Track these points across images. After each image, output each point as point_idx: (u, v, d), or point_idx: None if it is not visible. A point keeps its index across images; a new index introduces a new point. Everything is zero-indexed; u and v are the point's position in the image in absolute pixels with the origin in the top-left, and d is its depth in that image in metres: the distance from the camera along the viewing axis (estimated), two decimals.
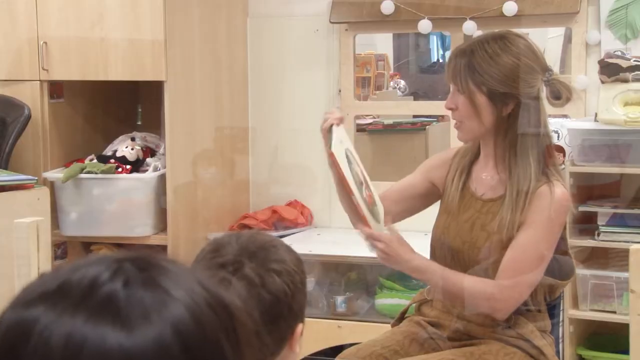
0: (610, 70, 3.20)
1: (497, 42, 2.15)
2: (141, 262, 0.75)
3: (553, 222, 2.13)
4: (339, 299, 3.59)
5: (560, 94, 2.20)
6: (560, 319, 2.72)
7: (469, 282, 2.12)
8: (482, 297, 2.11)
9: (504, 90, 2.13)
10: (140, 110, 4.18)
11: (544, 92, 2.20)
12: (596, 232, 3.24)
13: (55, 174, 3.65)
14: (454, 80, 2.16)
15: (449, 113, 2.31)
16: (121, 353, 0.69)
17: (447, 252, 2.20)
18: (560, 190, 2.13)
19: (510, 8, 3.61)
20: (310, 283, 3.58)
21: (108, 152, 3.78)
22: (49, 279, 0.75)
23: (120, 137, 3.83)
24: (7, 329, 0.72)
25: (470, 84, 2.13)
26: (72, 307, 0.71)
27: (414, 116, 4.37)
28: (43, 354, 0.70)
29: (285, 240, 1.49)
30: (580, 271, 3.27)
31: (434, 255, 2.25)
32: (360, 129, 4.24)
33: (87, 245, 3.85)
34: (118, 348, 0.69)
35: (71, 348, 0.69)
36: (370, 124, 4.44)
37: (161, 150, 3.77)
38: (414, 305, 2.37)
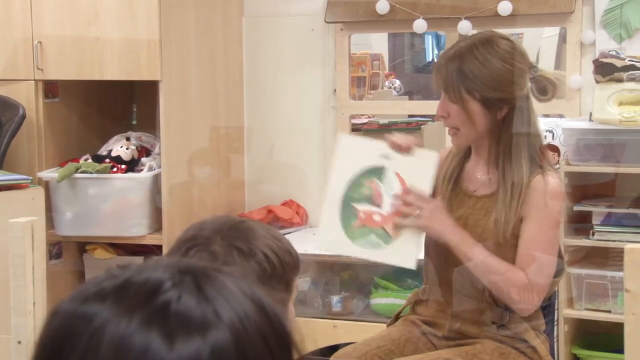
0: (605, 70, 3.20)
1: (485, 46, 2.13)
2: (202, 276, 0.75)
3: (553, 211, 2.15)
4: (335, 299, 3.59)
5: (547, 90, 2.20)
6: (555, 318, 2.73)
7: (505, 270, 2.12)
8: (516, 288, 2.12)
9: (496, 95, 2.12)
10: (135, 109, 4.17)
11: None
12: (591, 232, 3.24)
13: (50, 174, 3.65)
14: (446, 88, 2.14)
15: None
16: None
17: (441, 249, 2.20)
18: (554, 180, 2.16)
19: (505, 8, 3.61)
20: (306, 283, 3.58)
21: (103, 151, 3.77)
22: (110, 276, 0.76)
23: (116, 137, 3.83)
24: (61, 321, 0.73)
25: (463, 92, 2.12)
26: (130, 309, 0.72)
27: (409, 116, 4.37)
28: (94, 352, 0.70)
29: None
30: (575, 270, 3.28)
31: (428, 254, 2.26)
32: (355, 128, 4.24)
33: (83, 245, 3.84)
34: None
35: (120, 352, 0.70)
36: (365, 123, 4.44)
37: (156, 150, 3.77)
38: (408, 306, 2.37)
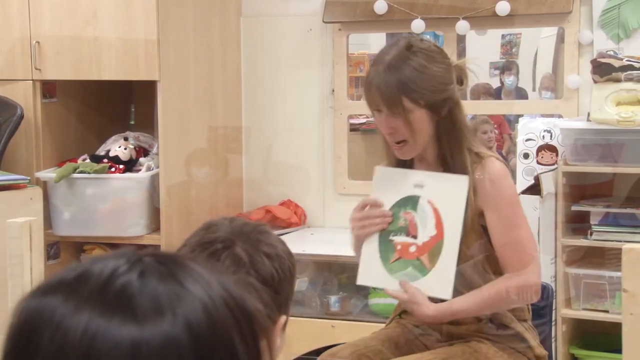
0: (603, 70, 3.21)
1: (413, 53, 2.11)
2: (162, 257, 0.75)
3: (508, 192, 2.15)
4: (333, 299, 3.59)
5: (462, 79, 2.19)
6: (553, 318, 2.73)
7: (500, 289, 2.11)
8: (520, 292, 2.12)
9: (440, 97, 2.11)
10: (133, 109, 4.17)
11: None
12: (589, 232, 3.24)
13: (48, 174, 3.65)
14: (389, 105, 2.08)
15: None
16: (131, 345, 0.69)
17: None
18: (497, 163, 2.16)
19: (503, 8, 3.61)
20: (304, 283, 3.58)
21: (101, 151, 3.77)
22: (70, 268, 0.76)
23: (114, 137, 3.83)
24: (26, 316, 0.73)
25: (409, 103, 2.08)
26: (88, 298, 0.71)
27: None
28: (58, 344, 0.70)
29: None
30: (573, 270, 3.28)
31: None
32: (353, 128, 4.25)
33: (80, 245, 3.84)
34: (128, 340, 0.69)
35: (85, 341, 0.69)
36: (363, 123, 4.44)
37: (154, 150, 3.76)
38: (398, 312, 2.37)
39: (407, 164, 2.22)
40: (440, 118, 2.13)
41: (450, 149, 2.14)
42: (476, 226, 2.14)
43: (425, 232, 2.13)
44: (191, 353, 0.70)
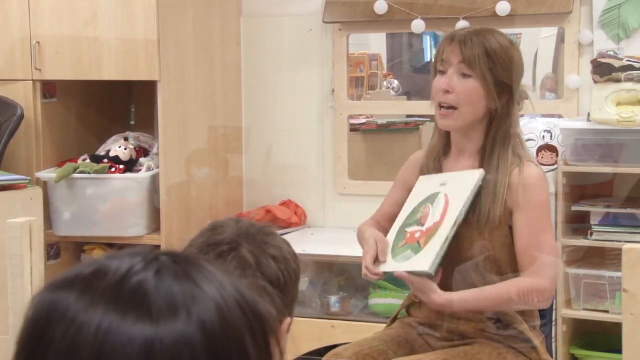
0: (603, 70, 3.21)
1: (502, 36, 2.19)
2: (178, 257, 0.76)
3: (540, 197, 2.16)
4: (333, 299, 3.59)
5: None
6: (553, 318, 2.73)
7: (509, 289, 2.11)
8: (529, 295, 2.11)
9: (508, 80, 2.15)
10: (133, 109, 4.17)
11: None
12: (589, 232, 3.24)
13: (48, 174, 3.65)
14: (470, 62, 2.13)
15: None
16: (144, 343, 0.69)
17: None
18: (536, 168, 2.18)
19: (503, 8, 3.61)
20: (304, 283, 3.58)
21: (101, 151, 3.77)
22: (87, 264, 0.76)
23: (114, 137, 3.82)
24: (40, 309, 0.74)
25: (484, 69, 2.13)
26: (103, 294, 0.72)
27: (407, 116, 4.37)
28: (72, 339, 0.70)
29: None
30: (573, 270, 3.28)
31: None
32: (353, 128, 4.24)
33: (80, 245, 3.84)
34: (142, 337, 0.69)
35: (98, 336, 0.70)
36: (363, 123, 4.44)
37: (154, 150, 3.76)
38: (404, 308, 2.37)
39: (441, 158, 2.26)
40: (496, 107, 2.15)
41: (492, 145, 2.16)
42: (503, 225, 2.14)
43: (432, 220, 2.18)
44: (204, 352, 0.70)
